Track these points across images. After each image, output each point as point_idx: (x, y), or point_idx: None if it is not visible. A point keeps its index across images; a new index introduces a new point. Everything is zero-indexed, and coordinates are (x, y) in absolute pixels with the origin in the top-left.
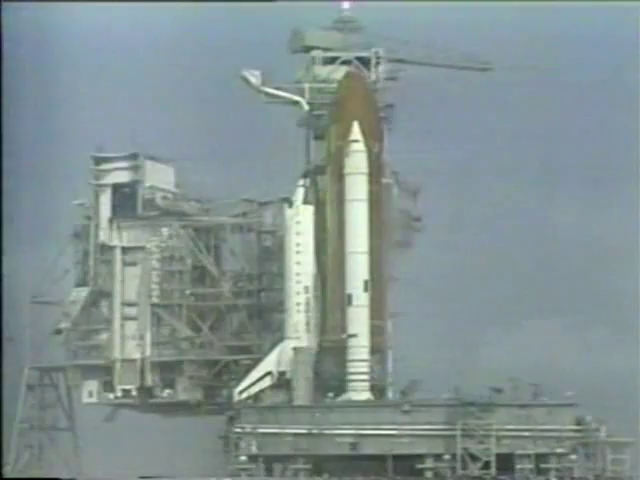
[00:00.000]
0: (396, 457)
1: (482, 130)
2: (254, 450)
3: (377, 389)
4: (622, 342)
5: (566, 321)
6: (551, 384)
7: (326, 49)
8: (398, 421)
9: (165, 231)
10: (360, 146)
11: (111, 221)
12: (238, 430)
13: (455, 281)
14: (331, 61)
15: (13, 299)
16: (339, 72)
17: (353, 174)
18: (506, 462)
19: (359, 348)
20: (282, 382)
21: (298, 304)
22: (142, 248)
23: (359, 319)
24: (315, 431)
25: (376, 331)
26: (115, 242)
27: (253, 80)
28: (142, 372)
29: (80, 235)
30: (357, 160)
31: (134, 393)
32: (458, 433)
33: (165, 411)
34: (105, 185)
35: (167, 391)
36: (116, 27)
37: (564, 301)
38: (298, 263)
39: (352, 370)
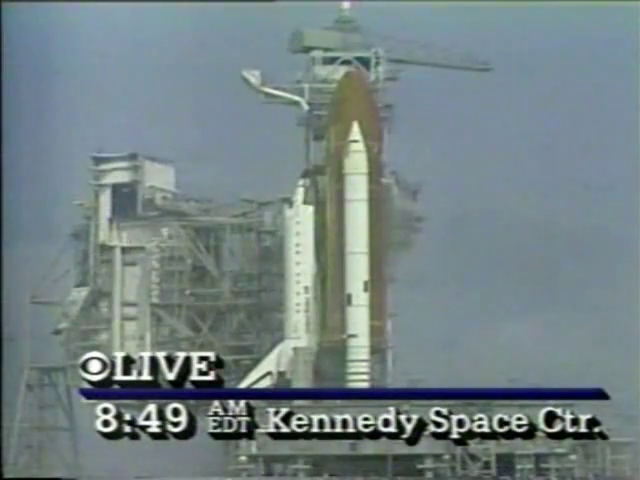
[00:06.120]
0: (396, 457)
1: (482, 130)
2: (254, 450)
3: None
4: (618, 341)
5: (565, 320)
6: (550, 384)
7: (326, 49)
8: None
9: (165, 231)
10: (360, 146)
11: (111, 221)
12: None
13: (455, 281)
14: (331, 61)
15: (13, 299)
16: (339, 72)
17: (353, 174)
18: (506, 462)
19: (359, 348)
20: (282, 382)
21: (298, 304)
22: (142, 248)
23: (359, 319)
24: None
25: (376, 331)
26: (115, 242)
27: (253, 80)
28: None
29: (80, 235)
30: (357, 160)
31: None
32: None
33: None
34: (105, 185)
35: None
36: (116, 27)
37: (562, 299)
38: (298, 263)
39: (352, 370)
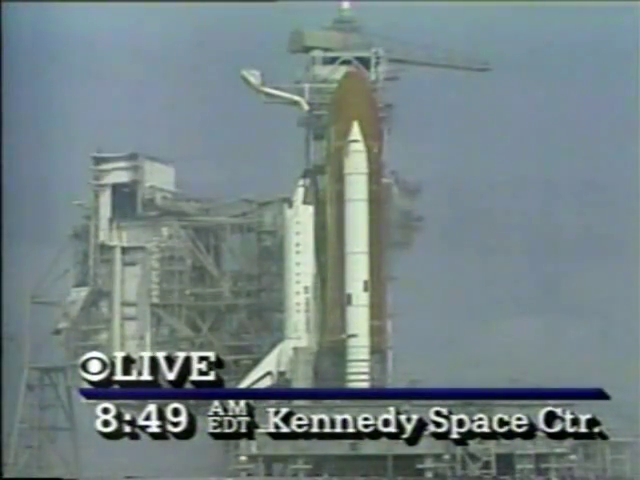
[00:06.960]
0: (396, 457)
1: (482, 130)
2: (254, 450)
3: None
4: (618, 341)
5: (565, 320)
6: (550, 384)
7: (326, 49)
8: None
9: (165, 231)
10: (360, 146)
11: (111, 221)
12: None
13: (455, 281)
14: (331, 61)
15: (13, 299)
16: (339, 72)
17: (353, 174)
18: (506, 462)
19: (359, 348)
20: (282, 382)
21: (298, 304)
22: (142, 248)
23: (359, 319)
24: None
25: (376, 331)
26: (115, 242)
27: (253, 80)
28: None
29: (80, 235)
30: (357, 160)
31: None
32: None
33: None
34: (105, 185)
35: None
36: (116, 27)
37: (562, 299)
38: (298, 263)
39: (352, 370)
